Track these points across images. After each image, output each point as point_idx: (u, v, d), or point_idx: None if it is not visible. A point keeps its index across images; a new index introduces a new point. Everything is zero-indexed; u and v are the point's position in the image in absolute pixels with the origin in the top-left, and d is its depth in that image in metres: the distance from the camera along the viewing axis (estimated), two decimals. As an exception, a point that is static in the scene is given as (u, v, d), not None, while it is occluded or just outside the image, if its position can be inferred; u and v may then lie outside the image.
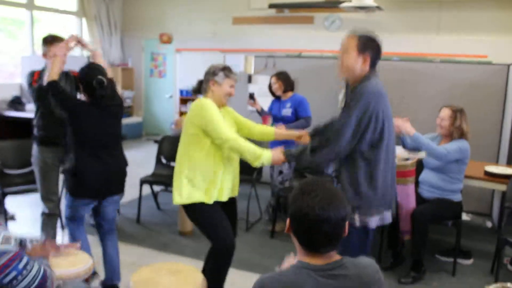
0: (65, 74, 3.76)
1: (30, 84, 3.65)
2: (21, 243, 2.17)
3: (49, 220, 3.85)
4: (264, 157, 2.76)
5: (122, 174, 3.33)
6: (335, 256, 1.58)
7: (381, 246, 4.05)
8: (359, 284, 1.53)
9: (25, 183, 4.47)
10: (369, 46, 2.58)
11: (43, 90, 3.30)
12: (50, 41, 3.64)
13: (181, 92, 9.84)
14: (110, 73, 3.31)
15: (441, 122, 3.89)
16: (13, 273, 1.80)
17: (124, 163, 3.36)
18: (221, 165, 2.92)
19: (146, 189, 5.17)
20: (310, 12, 8.61)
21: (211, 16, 9.49)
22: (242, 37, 8.99)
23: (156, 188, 5.54)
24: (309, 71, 6.15)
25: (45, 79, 3.23)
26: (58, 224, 4.00)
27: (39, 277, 1.88)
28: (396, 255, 4.02)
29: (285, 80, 4.70)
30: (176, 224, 4.79)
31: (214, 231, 2.94)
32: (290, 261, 1.86)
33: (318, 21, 8.62)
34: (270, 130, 3.22)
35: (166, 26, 10.04)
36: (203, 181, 2.89)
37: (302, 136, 3.08)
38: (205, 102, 2.90)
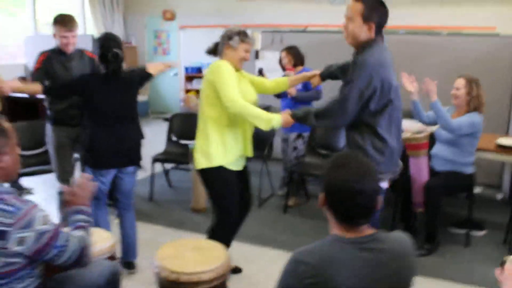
0: (80, 54, 3.76)
1: (32, 72, 3.68)
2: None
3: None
4: (275, 120, 2.75)
5: (137, 146, 3.35)
6: (369, 230, 1.58)
7: (394, 218, 4.06)
8: (394, 257, 1.53)
9: (39, 164, 4.46)
10: (374, 12, 2.53)
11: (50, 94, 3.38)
12: (60, 21, 3.60)
13: (186, 69, 9.76)
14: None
15: (456, 92, 3.85)
16: (54, 251, 1.83)
17: (139, 135, 3.38)
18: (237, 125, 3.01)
19: (157, 167, 5.17)
20: (314, -13, 8.48)
21: (215, -9, 9.36)
22: (247, 13, 8.87)
23: (167, 166, 5.54)
24: (315, 46, 6.06)
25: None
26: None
27: (78, 248, 1.90)
28: (409, 228, 4.03)
29: (295, 55, 4.66)
30: (189, 201, 4.80)
31: (224, 201, 3.04)
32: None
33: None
34: (283, 79, 3.32)
35: (169, 2, 9.92)
36: (232, 140, 2.98)
37: (314, 76, 3.19)
38: (221, 63, 2.90)
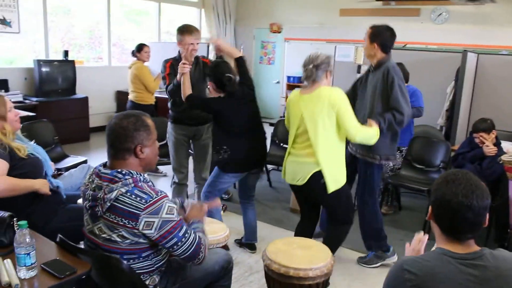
0: (196, 60, 3.94)
1: (163, 77, 3.96)
2: (182, 206, 2.35)
3: (179, 189, 4.14)
4: (377, 133, 3.04)
5: (263, 151, 3.61)
6: (475, 246, 1.56)
7: (488, 237, 3.90)
8: (498, 276, 1.50)
9: (159, 156, 4.76)
10: (378, 35, 3.25)
11: (188, 103, 3.53)
12: (187, 30, 3.82)
13: (288, 78, 9.93)
14: (238, 53, 3.54)
15: None
16: (174, 240, 1.94)
17: (263, 148, 3.61)
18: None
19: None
20: (417, 4, 8.28)
21: (319, 7, 9.43)
22: (348, 28, 8.85)
23: (268, 166, 5.69)
24: (414, 63, 5.90)
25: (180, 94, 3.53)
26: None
27: (195, 244, 2.02)
28: (504, 248, 3.84)
29: (402, 71, 4.58)
30: (287, 201, 4.92)
31: (349, 207, 3.27)
32: (419, 237, 1.86)
33: (424, 13, 8.28)
34: None
35: (276, 16, 10.14)
36: (342, 164, 3.10)
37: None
38: (340, 90, 2.93)
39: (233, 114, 3.33)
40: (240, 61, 3.47)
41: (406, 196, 5.21)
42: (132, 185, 1.91)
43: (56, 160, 4.37)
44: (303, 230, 3.37)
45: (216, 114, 3.39)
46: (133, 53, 5.91)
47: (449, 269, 1.49)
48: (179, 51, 3.92)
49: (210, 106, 3.39)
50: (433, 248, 1.62)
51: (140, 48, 5.84)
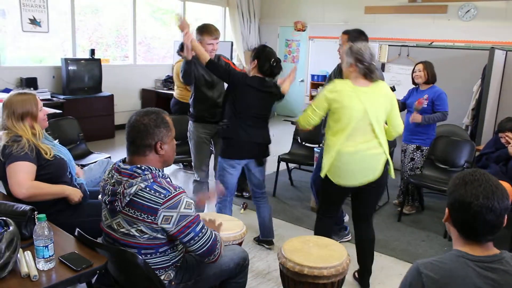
0: (217, 58, 3.91)
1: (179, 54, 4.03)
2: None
3: (200, 187, 4.17)
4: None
5: (264, 145, 3.55)
6: (494, 249, 1.52)
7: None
8: None
9: (180, 153, 4.82)
10: (354, 40, 3.36)
11: (210, 66, 3.52)
12: (207, 30, 3.80)
13: (313, 77, 9.89)
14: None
15: None
16: (192, 234, 1.98)
17: (267, 137, 3.57)
18: None
19: (282, 165, 5.34)
20: (444, 1, 8.13)
21: (344, 5, 9.36)
22: (374, 26, 8.75)
23: (290, 165, 5.69)
24: (440, 61, 5.81)
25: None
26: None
27: (211, 240, 2.06)
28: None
29: (431, 71, 4.52)
30: (308, 200, 4.91)
31: None
32: None
33: (451, 10, 8.12)
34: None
35: (300, 14, 10.11)
36: None
37: None
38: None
39: (246, 96, 3.37)
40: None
41: (429, 196, 5.13)
42: (151, 180, 1.95)
43: (80, 156, 4.46)
44: (329, 229, 3.28)
45: (231, 86, 3.44)
46: (178, 52, 5.98)
47: (466, 272, 1.45)
48: None
49: (230, 76, 3.42)
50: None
51: (183, 46, 5.90)
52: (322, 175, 3.02)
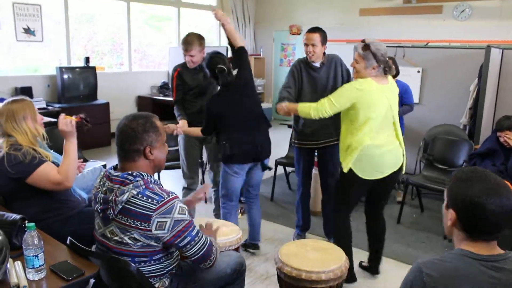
0: (200, 67, 3.87)
1: (172, 89, 4.03)
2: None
3: (188, 194, 4.12)
4: None
5: (262, 148, 3.51)
6: (498, 249, 1.48)
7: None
8: None
9: (170, 160, 4.77)
10: (326, 38, 3.59)
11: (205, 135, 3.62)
12: (183, 42, 3.84)
13: (308, 80, 9.85)
14: (241, 42, 3.58)
15: None
16: (188, 238, 1.94)
17: (266, 139, 3.57)
18: None
19: (279, 169, 5.30)
20: (439, 1, 8.13)
21: (338, 8, 9.37)
22: (369, 27, 8.76)
23: (287, 169, 5.66)
24: (437, 61, 5.81)
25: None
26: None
27: (207, 245, 2.03)
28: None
29: (396, 66, 4.53)
30: (306, 204, 4.86)
31: None
32: None
33: (446, 10, 8.11)
34: None
35: (295, 18, 10.12)
36: None
37: None
38: None
39: (230, 111, 3.36)
40: (238, 52, 3.52)
41: (428, 197, 5.10)
42: (143, 186, 1.91)
43: (75, 164, 4.40)
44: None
45: (218, 118, 3.39)
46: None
47: (471, 271, 1.42)
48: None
49: (211, 116, 3.40)
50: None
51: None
52: (346, 169, 3.00)
